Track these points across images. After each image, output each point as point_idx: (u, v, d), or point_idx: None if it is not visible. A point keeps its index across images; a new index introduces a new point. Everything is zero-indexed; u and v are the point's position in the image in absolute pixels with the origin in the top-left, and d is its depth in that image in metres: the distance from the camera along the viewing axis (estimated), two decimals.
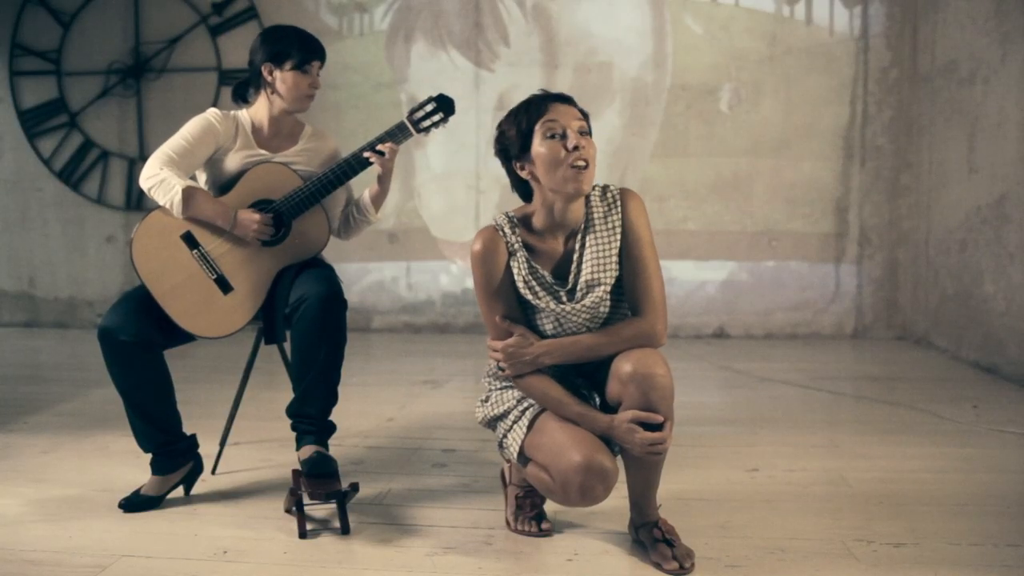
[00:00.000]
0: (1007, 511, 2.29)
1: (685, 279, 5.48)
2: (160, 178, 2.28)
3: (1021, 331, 3.91)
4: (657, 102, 5.48)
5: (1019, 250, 3.95)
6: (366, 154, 2.40)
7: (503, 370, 1.98)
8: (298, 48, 2.40)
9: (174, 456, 2.35)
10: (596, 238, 1.95)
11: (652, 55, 5.47)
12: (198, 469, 2.44)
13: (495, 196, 5.53)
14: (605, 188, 1.99)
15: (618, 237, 1.95)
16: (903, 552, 2.01)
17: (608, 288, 1.94)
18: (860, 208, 5.38)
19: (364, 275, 5.76)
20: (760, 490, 2.47)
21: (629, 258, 1.95)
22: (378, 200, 2.55)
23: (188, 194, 2.28)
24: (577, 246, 1.96)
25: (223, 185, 2.42)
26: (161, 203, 2.30)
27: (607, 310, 1.95)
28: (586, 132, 1.91)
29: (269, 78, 2.42)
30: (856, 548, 2.03)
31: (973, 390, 3.81)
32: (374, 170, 2.47)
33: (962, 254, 4.53)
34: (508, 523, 2.17)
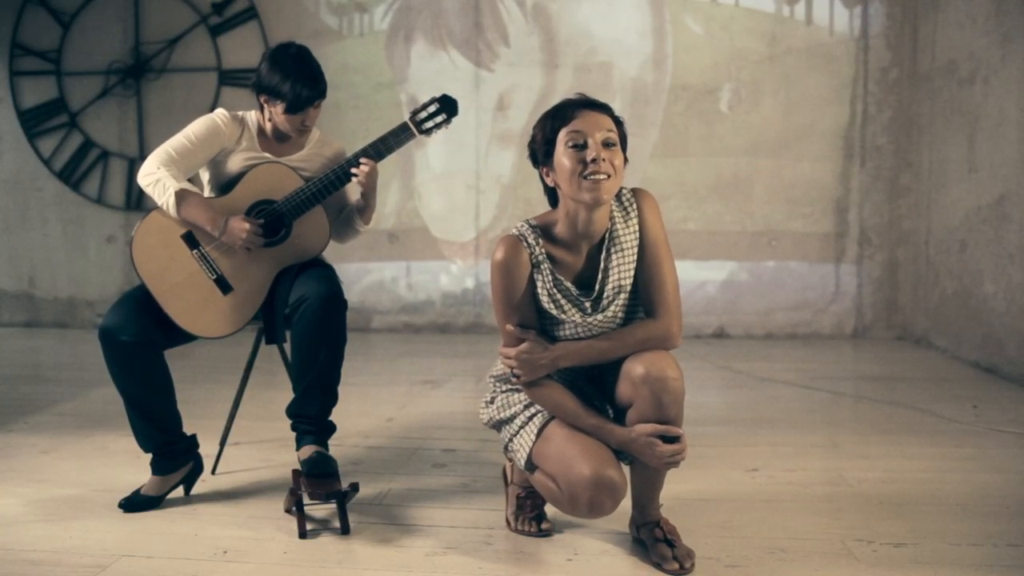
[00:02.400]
0: (1007, 511, 2.29)
1: (685, 279, 5.45)
2: (156, 178, 2.28)
3: (1021, 331, 3.91)
4: (657, 102, 5.48)
5: (1019, 250, 3.95)
6: (353, 170, 2.38)
7: (517, 377, 1.94)
8: (291, 95, 2.32)
9: (174, 456, 2.35)
10: (619, 245, 1.92)
11: (652, 55, 5.47)
12: (198, 469, 2.44)
13: (495, 196, 5.53)
14: (619, 193, 1.96)
15: (637, 241, 1.93)
16: (903, 552, 2.01)
17: (627, 295, 1.92)
18: (860, 208, 5.38)
19: (364, 275, 5.76)
20: (760, 490, 2.47)
21: (644, 259, 1.92)
22: (365, 214, 2.52)
23: (181, 196, 2.28)
24: (603, 255, 1.93)
25: (224, 185, 2.41)
26: (158, 203, 2.30)
27: (624, 315, 1.95)
28: (612, 143, 1.85)
29: (264, 105, 2.41)
30: (856, 548, 2.03)
31: (973, 390, 3.81)
32: (386, 163, 2.45)
33: (962, 254, 4.53)
34: (508, 523, 2.17)
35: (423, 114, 2.45)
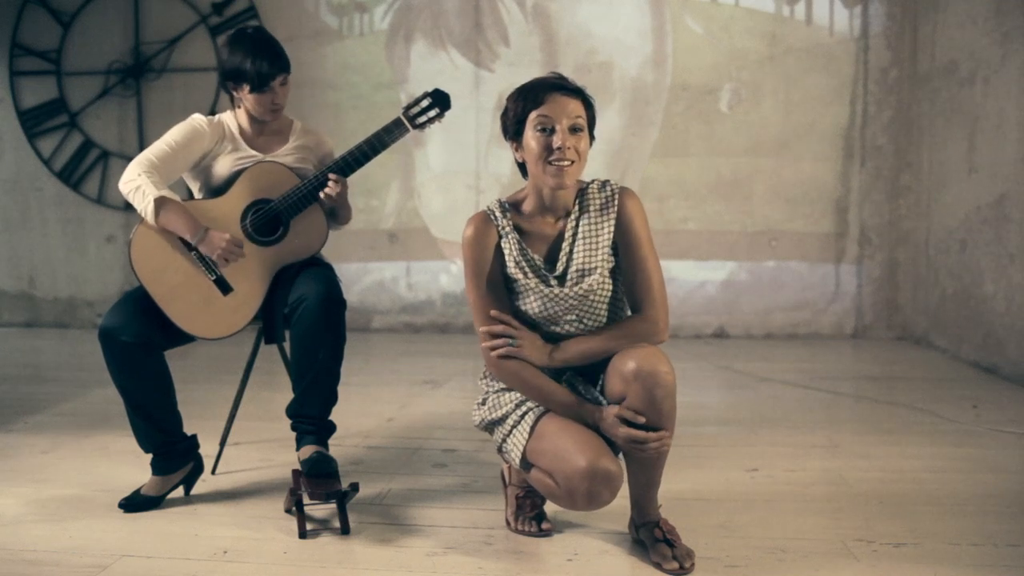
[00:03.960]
0: (1007, 511, 2.29)
1: (685, 279, 5.47)
2: (136, 184, 2.27)
3: (1021, 331, 3.91)
4: (657, 102, 5.48)
5: (1019, 250, 3.95)
6: (326, 188, 2.36)
7: (514, 345, 1.95)
8: (253, 72, 2.33)
9: (174, 456, 2.35)
10: (589, 225, 1.97)
11: (652, 55, 5.47)
12: (198, 469, 2.45)
13: (495, 195, 5.51)
14: (605, 182, 2.02)
15: (611, 229, 1.97)
16: (903, 552, 2.01)
17: (602, 279, 1.95)
18: (860, 208, 5.38)
19: (364, 275, 5.76)
20: (760, 490, 2.47)
21: (628, 258, 1.96)
22: (339, 219, 2.52)
23: (160, 203, 2.26)
24: (569, 232, 1.98)
25: (218, 188, 2.41)
26: (137, 209, 2.29)
27: (599, 300, 1.97)
28: (579, 128, 1.91)
29: (234, 93, 2.42)
30: (856, 548, 2.03)
31: (973, 390, 3.81)
32: (382, 159, 2.45)
33: (962, 254, 4.53)
34: (508, 523, 2.17)
35: (416, 109, 2.46)
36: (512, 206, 2.03)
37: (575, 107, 1.91)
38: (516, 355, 1.94)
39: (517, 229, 2.00)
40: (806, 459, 2.77)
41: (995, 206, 4.17)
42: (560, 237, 1.99)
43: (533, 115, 1.91)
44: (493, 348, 1.95)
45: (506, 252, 1.98)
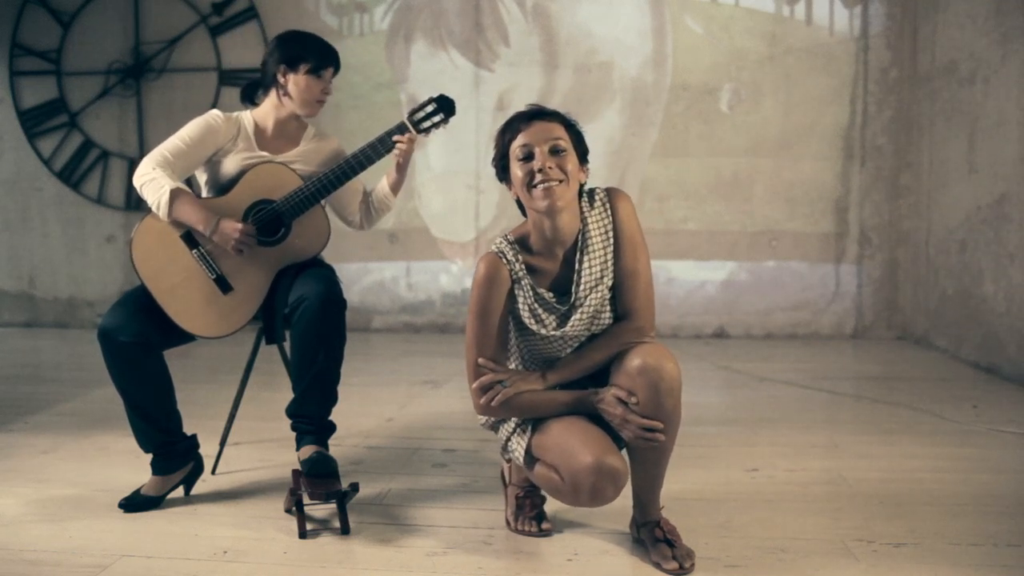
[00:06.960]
0: (1007, 511, 2.29)
1: (685, 279, 5.47)
2: (151, 177, 2.29)
3: (1021, 331, 3.91)
4: (657, 102, 5.48)
5: (1019, 250, 3.95)
6: (395, 138, 2.42)
7: (505, 386, 1.95)
8: (315, 54, 2.41)
9: (174, 456, 2.35)
10: (591, 246, 1.96)
11: (652, 55, 5.47)
12: (198, 469, 2.45)
13: (495, 196, 5.53)
14: (592, 193, 1.99)
15: (611, 243, 1.96)
16: (903, 552, 2.01)
17: (605, 296, 1.94)
18: (860, 208, 5.38)
19: (364, 275, 5.76)
20: (760, 490, 2.47)
21: (619, 258, 1.96)
22: (396, 186, 2.58)
23: (174, 195, 2.28)
24: (576, 261, 1.96)
25: (222, 186, 2.41)
26: (149, 202, 2.29)
27: (609, 319, 1.96)
28: (561, 150, 1.89)
29: (282, 80, 2.42)
30: (856, 548, 2.03)
31: (973, 390, 3.81)
32: (385, 163, 2.48)
33: (962, 254, 4.53)
34: (508, 523, 2.17)
35: (420, 114, 2.46)
36: (520, 243, 1.99)
37: (554, 129, 1.91)
38: (511, 395, 1.93)
39: (529, 269, 1.97)
40: (806, 459, 2.77)
41: (995, 206, 4.17)
42: (570, 268, 1.97)
43: (513, 146, 1.92)
44: (489, 401, 1.93)
45: (520, 300, 1.96)
